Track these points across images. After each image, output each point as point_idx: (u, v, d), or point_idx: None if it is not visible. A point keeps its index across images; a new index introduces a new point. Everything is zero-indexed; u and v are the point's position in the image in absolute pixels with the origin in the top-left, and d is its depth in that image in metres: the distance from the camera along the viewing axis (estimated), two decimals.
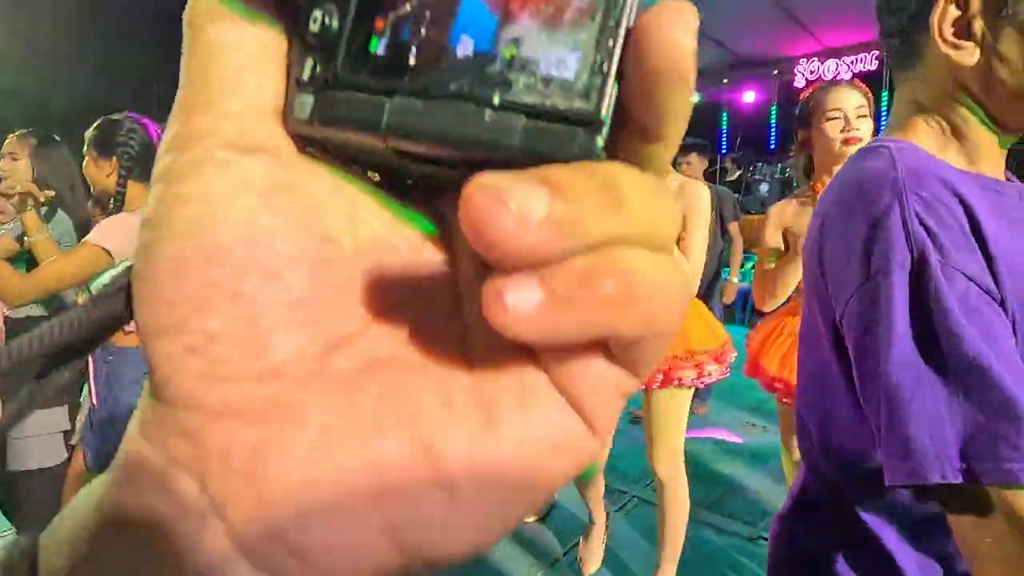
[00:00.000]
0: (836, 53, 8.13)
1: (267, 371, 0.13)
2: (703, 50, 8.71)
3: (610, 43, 0.12)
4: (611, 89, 0.12)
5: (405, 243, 0.15)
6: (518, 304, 0.11)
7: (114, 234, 1.55)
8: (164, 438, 0.13)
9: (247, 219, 0.13)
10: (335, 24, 0.13)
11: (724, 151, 9.40)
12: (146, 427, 0.13)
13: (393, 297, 0.14)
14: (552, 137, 0.12)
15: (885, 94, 8.05)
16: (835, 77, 8.28)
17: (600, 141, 0.12)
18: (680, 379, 1.69)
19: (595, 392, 0.13)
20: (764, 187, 8.31)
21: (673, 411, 1.74)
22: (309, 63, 0.13)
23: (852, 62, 8.06)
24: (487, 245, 0.11)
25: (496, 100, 0.12)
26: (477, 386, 0.13)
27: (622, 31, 0.12)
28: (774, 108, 9.06)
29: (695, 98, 0.09)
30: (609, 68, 0.12)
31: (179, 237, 0.12)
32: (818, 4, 6.70)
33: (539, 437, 0.13)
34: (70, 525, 0.14)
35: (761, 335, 1.80)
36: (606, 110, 0.12)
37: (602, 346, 0.13)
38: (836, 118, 1.48)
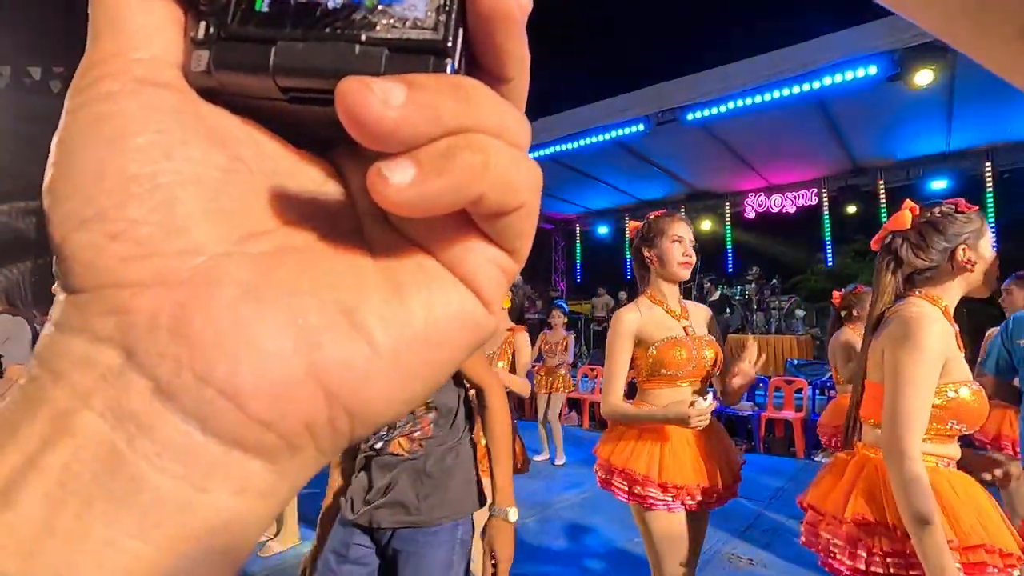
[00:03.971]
0: (780, 189, 8.93)
1: (187, 247, 0.14)
2: (664, 183, 9.39)
3: None
4: (454, 23, 0.14)
5: (307, 178, 0.17)
6: (396, 177, 0.13)
7: None
8: (87, 320, 0.13)
9: (160, 129, 0.14)
10: None
11: None
12: (66, 320, 0.14)
13: (301, 211, 0.16)
14: (410, 63, 0.14)
15: (827, 224, 8.77)
16: (780, 210, 9.04)
17: (450, 64, 0.15)
18: None
19: (480, 269, 0.15)
20: (727, 309, 8.62)
21: None
22: (203, 25, 0.15)
23: (795, 197, 8.83)
24: (359, 124, 0.12)
25: (363, 37, 0.14)
26: (383, 269, 0.15)
27: None
28: (728, 234, 9.72)
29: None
30: (451, 8, 0.14)
31: (99, 142, 0.14)
32: (764, 150, 7.49)
33: (442, 306, 0.15)
34: None
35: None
36: (452, 40, 0.14)
37: (477, 228, 0.15)
38: None
